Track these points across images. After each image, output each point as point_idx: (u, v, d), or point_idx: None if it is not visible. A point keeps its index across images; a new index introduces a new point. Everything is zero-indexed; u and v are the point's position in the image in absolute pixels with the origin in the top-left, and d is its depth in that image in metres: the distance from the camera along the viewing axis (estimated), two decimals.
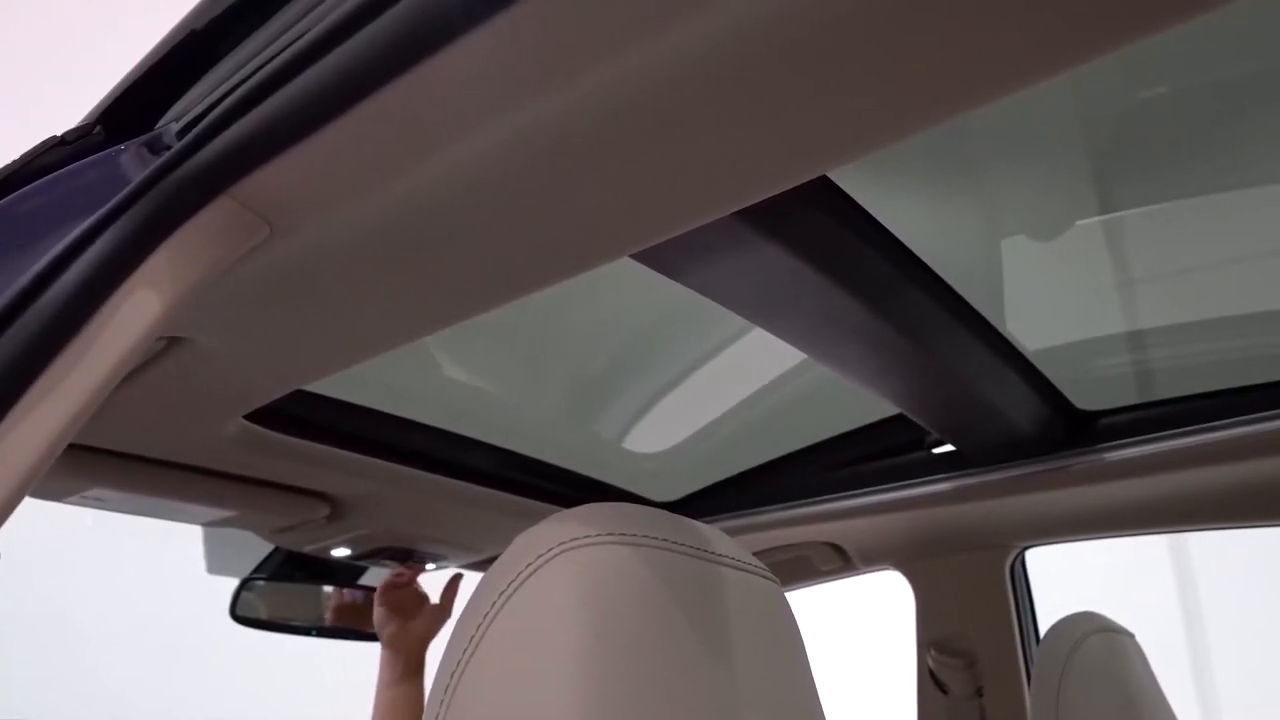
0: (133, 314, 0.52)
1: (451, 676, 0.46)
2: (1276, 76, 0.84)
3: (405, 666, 1.42)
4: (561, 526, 0.49)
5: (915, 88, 0.48)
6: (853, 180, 0.79)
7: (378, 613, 1.45)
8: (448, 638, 0.49)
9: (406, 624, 1.44)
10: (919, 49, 0.46)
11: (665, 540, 0.51)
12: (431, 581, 1.54)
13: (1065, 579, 1.90)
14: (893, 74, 0.47)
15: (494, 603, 0.47)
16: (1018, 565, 1.49)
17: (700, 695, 0.48)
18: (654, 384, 1.36)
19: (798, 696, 0.56)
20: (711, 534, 0.56)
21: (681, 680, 0.47)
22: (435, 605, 1.48)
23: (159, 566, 2.27)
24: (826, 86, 0.48)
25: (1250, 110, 0.88)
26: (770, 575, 0.59)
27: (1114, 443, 1.15)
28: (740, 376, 1.34)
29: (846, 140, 0.52)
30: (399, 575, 1.48)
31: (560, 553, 0.47)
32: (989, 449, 1.22)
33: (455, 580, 1.52)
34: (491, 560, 1.58)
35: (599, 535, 0.48)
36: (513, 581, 0.47)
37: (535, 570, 0.47)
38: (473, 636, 0.47)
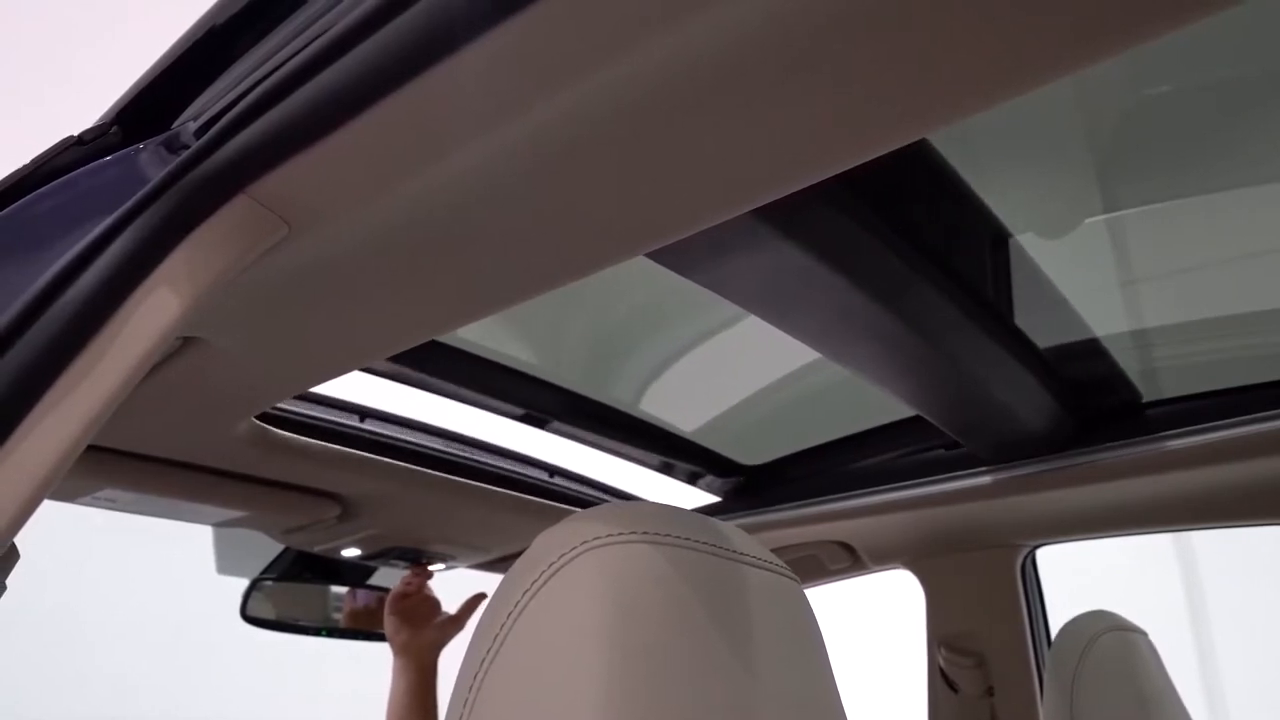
0: (152, 314, 0.52)
1: (475, 676, 0.46)
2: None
3: (417, 674, 1.41)
4: (584, 525, 0.49)
5: (924, 89, 0.48)
6: (863, 177, 0.79)
7: (389, 621, 1.45)
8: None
9: (418, 632, 1.43)
10: (926, 51, 0.46)
11: (688, 539, 0.51)
12: (440, 581, 1.54)
13: (1070, 577, 1.90)
14: (903, 76, 0.47)
15: (517, 602, 0.47)
16: (1028, 564, 1.49)
17: (724, 694, 0.48)
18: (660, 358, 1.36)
19: (819, 694, 0.56)
20: (733, 532, 0.56)
21: (705, 679, 0.47)
22: (450, 616, 1.48)
23: (168, 567, 2.27)
24: (838, 87, 0.48)
25: (1252, 109, 0.88)
26: (791, 574, 0.58)
27: (1124, 441, 1.15)
28: (745, 372, 1.34)
29: (859, 140, 0.52)
30: (408, 583, 1.48)
31: (584, 551, 0.47)
32: (999, 447, 1.22)
33: (478, 598, 1.51)
34: (502, 560, 1.59)
35: (622, 534, 0.48)
36: (536, 580, 0.47)
37: (559, 569, 0.47)
38: (496, 635, 0.46)
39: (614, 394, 1.32)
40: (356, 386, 1.06)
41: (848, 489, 1.37)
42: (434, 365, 1.10)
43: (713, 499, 1.57)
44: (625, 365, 1.31)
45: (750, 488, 1.53)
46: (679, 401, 1.37)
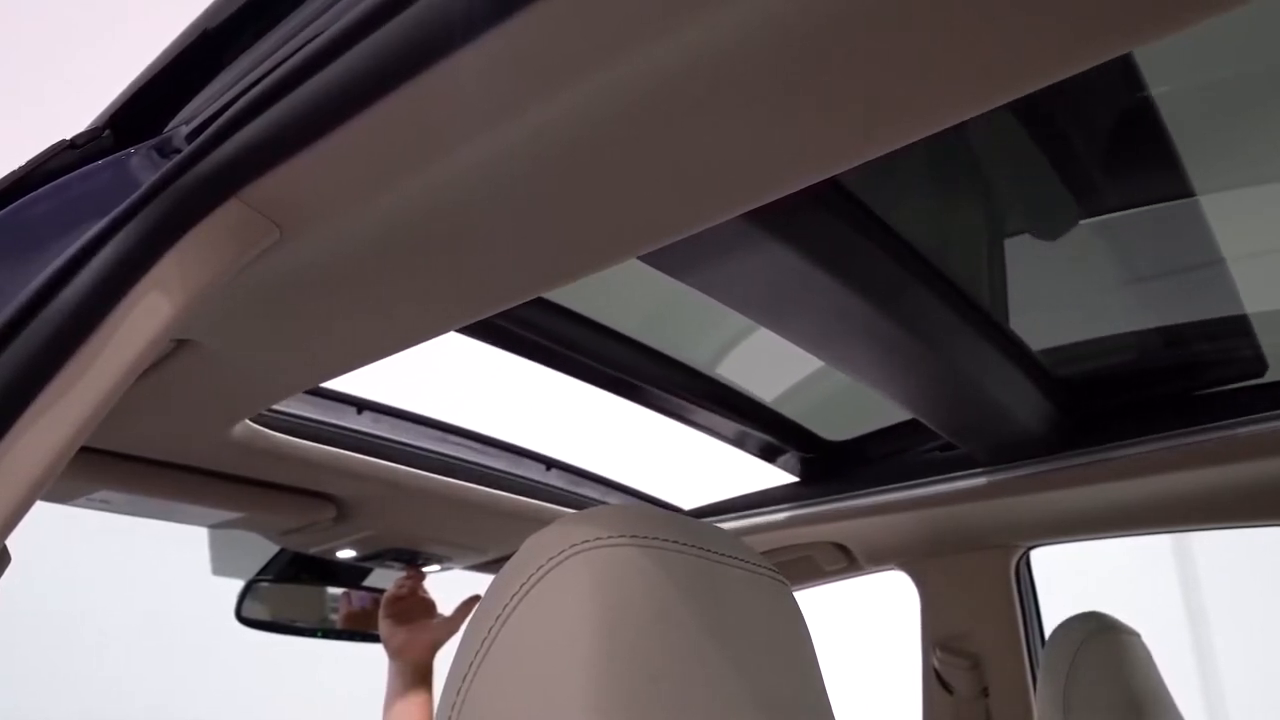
0: (144, 317, 0.52)
1: (464, 678, 0.46)
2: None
3: (413, 676, 1.40)
4: (574, 528, 0.49)
5: (924, 89, 0.48)
6: (859, 181, 0.79)
7: (383, 624, 1.44)
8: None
9: (413, 634, 1.43)
10: (926, 51, 0.46)
11: (677, 542, 0.51)
12: (436, 582, 1.54)
13: (1069, 579, 1.90)
14: (903, 76, 0.47)
15: (506, 605, 0.47)
16: (1022, 565, 1.49)
17: (712, 696, 0.48)
18: None
19: (808, 696, 0.56)
20: (722, 535, 0.56)
21: (694, 682, 0.47)
22: (445, 618, 1.47)
23: (164, 569, 2.27)
24: (838, 87, 0.48)
25: (1252, 109, 0.88)
26: (780, 576, 0.59)
27: (1119, 443, 1.15)
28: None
29: (859, 140, 0.53)
30: (400, 586, 1.47)
31: (573, 554, 0.47)
32: (995, 449, 1.22)
33: (473, 601, 1.50)
34: (497, 562, 1.58)
35: (611, 537, 0.48)
36: (525, 583, 0.47)
37: (548, 572, 0.47)
38: (485, 639, 0.47)
39: (693, 356, 1.25)
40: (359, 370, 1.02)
41: (842, 490, 1.37)
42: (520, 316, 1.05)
43: (790, 478, 1.49)
44: (707, 326, 1.24)
45: (828, 467, 1.45)
46: (760, 370, 1.30)
